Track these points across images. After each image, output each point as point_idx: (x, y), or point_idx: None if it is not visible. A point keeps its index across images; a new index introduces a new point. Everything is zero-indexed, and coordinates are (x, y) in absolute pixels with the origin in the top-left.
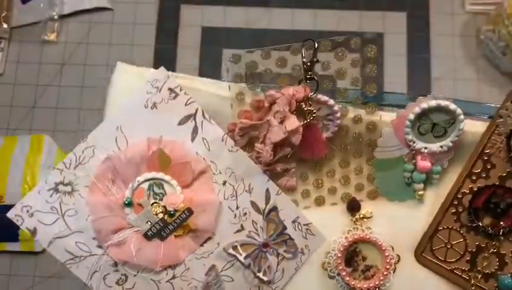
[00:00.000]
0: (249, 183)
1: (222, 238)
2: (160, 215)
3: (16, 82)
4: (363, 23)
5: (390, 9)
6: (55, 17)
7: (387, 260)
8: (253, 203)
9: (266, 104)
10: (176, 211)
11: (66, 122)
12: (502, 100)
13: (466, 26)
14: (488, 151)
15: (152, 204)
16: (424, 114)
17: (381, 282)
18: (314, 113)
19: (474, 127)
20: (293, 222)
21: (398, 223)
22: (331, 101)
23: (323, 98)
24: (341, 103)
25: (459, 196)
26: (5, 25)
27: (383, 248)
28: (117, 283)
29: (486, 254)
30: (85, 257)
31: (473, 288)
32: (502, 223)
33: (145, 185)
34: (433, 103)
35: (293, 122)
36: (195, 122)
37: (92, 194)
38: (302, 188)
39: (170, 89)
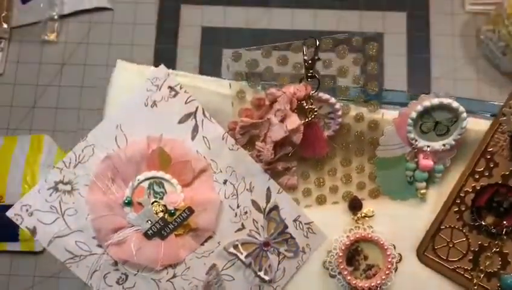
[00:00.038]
0: (249, 182)
1: (223, 237)
2: (161, 215)
3: (16, 82)
4: (363, 23)
5: (390, 9)
6: (55, 17)
7: (389, 259)
8: (254, 202)
9: (267, 103)
10: (176, 210)
11: (66, 122)
12: (502, 100)
13: (466, 26)
14: (491, 149)
15: (152, 203)
16: (426, 112)
17: (383, 281)
18: (316, 111)
19: (477, 125)
20: (294, 220)
21: (400, 222)
22: (333, 99)
23: (325, 96)
24: (342, 101)
25: (462, 194)
26: (5, 25)
27: (385, 247)
28: (117, 282)
29: (488, 253)
30: (85, 256)
31: (476, 287)
32: (504, 222)
33: (145, 184)
34: (435, 100)
35: (294, 121)
36: (196, 121)
37: (91, 193)
38: (303, 186)
39: (170, 87)
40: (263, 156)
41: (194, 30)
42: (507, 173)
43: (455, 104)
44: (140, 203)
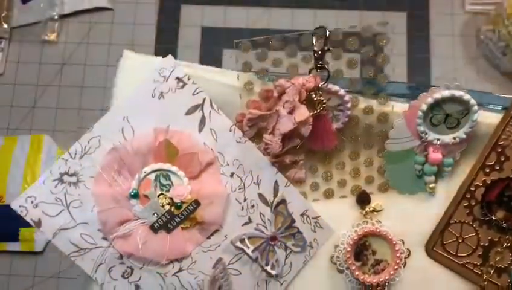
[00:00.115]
0: (257, 175)
1: (229, 231)
2: (167, 207)
3: (16, 82)
4: (363, 23)
5: (390, 9)
6: (55, 17)
7: (398, 254)
8: (261, 196)
9: (275, 94)
10: (182, 202)
11: (66, 122)
12: None
13: (466, 26)
14: (502, 143)
15: (159, 195)
16: (437, 104)
17: (391, 277)
18: (324, 103)
19: (488, 118)
20: (302, 214)
21: (409, 217)
22: (342, 91)
23: (334, 87)
24: (352, 93)
25: (472, 188)
26: (5, 25)
27: (393, 242)
28: (123, 275)
29: (499, 249)
30: (90, 249)
31: (485, 283)
32: None
33: (152, 176)
34: (446, 93)
35: (302, 113)
36: (203, 113)
37: (97, 185)
38: (311, 180)
39: (178, 78)
40: (271, 148)
41: (194, 30)
42: None
43: (467, 96)
44: (146, 196)
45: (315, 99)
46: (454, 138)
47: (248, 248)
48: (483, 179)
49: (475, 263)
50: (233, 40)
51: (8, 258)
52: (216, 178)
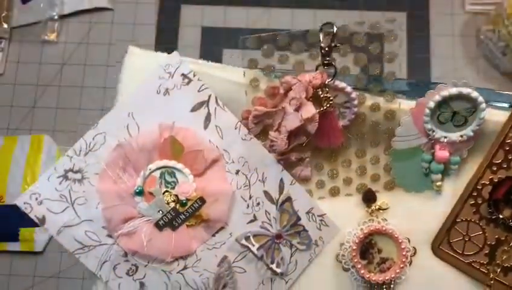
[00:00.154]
0: (262, 173)
1: (235, 228)
2: (172, 205)
3: (16, 82)
4: None
5: (390, 9)
6: (55, 17)
7: (404, 253)
8: (266, 193)
9: (281, 91)
10: (188, 200)
11: (66, 122)
12: None
13: (466, 26)
14: (509, 141)
15: (164, 193)
16: (444, 102)
17: (397, 275)
18: (331, 100)
19: (495, 116)
20: (307, 212)
21: (415, 215)
22: (349, 88)
23: (341, 84)
24: (359, 90)
25: (479, 187)
26: (5, 25)
27: (399, 240)
28: (127, 273)
29: (506, 247)
30: (94, 247)
31: (492, 282)
32: None
33: (157, 173)
34: (454, 90)
35: (309, 110)
36: (208, 109)
37: (102, 182)
38: (317, 178)
39: (183, 75)
40: (277, 146)
41: (194, 30)
42: None
43: (474, 94)
44: (151, 193)
45: (322, 96)
46: (461, 136)
47: (253, 245)
48: (490, 177)
49: (481, 261)
50: (240, 37)
51: (8, 258)
52: (221, 175)
